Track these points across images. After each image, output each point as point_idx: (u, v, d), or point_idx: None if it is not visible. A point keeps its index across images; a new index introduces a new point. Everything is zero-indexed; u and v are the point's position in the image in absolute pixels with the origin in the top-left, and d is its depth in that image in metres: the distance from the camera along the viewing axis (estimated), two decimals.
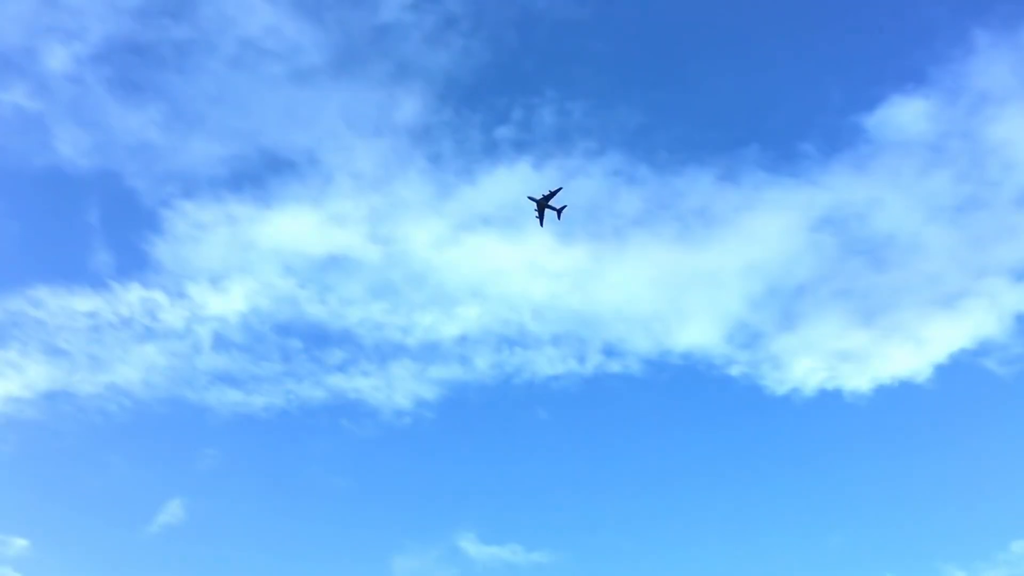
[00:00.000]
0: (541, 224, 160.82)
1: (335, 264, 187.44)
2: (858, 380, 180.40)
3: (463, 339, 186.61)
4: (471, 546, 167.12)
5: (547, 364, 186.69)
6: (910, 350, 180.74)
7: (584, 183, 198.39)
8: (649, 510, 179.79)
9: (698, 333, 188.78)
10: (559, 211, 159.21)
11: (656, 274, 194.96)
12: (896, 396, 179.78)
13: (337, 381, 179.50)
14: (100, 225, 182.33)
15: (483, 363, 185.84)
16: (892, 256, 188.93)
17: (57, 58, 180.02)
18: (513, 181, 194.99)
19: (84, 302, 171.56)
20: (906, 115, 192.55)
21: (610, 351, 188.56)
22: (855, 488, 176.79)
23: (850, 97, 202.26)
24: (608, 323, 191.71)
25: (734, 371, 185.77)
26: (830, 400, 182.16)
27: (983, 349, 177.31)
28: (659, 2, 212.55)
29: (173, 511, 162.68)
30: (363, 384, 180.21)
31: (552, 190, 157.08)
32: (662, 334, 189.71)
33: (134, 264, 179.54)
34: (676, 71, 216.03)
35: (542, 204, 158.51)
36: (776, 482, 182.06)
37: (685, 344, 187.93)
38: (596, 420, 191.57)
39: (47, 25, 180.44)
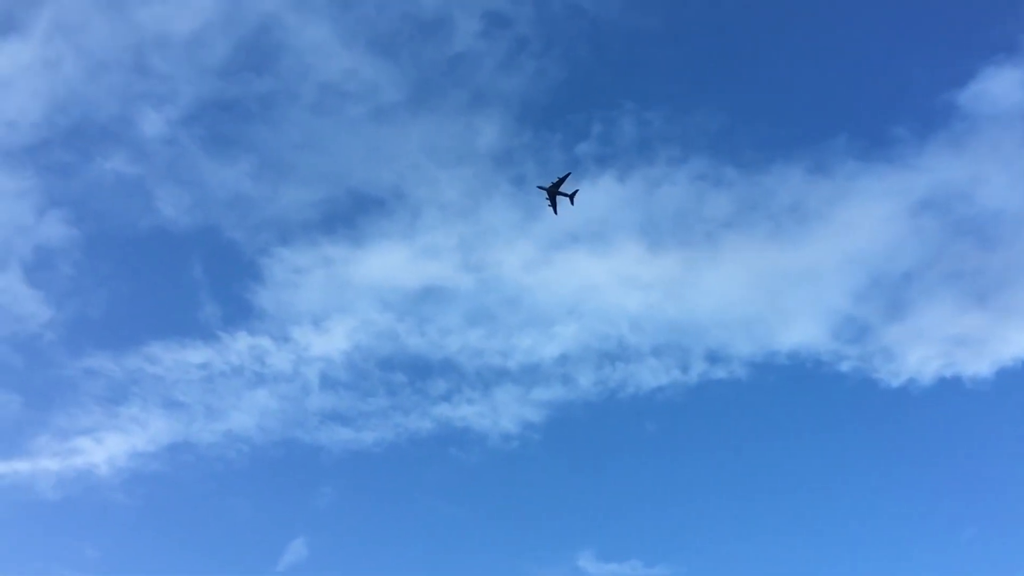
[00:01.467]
0: (555, 212, 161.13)
1: (430, 295, 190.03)
2: (978, 365, 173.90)
3: (563, 358, 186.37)
4: (590, 565, 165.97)
5: (650, 376, 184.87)
6: None
7: (670, 190, 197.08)
8: (768, 516, 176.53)
9: (803, 331, 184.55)
10: (571, 196, 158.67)
11: (753, 275, 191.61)
12: (1021, 378, 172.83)
13: (443, 411, 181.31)
14: (205, 278, 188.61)
15: (585, 380, 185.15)
16: (1000, 233, 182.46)
17: (151, 123, 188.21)
18: (598, 196, 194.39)
19: (196, 354, 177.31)
20: (1000, 87, 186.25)
21: (713, 357, 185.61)
22: (986, 478, 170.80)
23: (939, 74, 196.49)
24: (708, 329, 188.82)
25: (844, 367, 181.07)
26: (950, 388, 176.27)
27: None
28: (728, 1, 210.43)
29: (297, 550, 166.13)
30: (468, 412, 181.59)
31: (561, 176, 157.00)
32: (765, 336, 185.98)
33: (239, 313, 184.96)
34: (753, 68, 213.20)
35: (552, 192, 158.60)
36: (900, 479, 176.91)
37: (790, 344, 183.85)
38: (705, 429, 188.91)
39: (140, 92, 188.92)
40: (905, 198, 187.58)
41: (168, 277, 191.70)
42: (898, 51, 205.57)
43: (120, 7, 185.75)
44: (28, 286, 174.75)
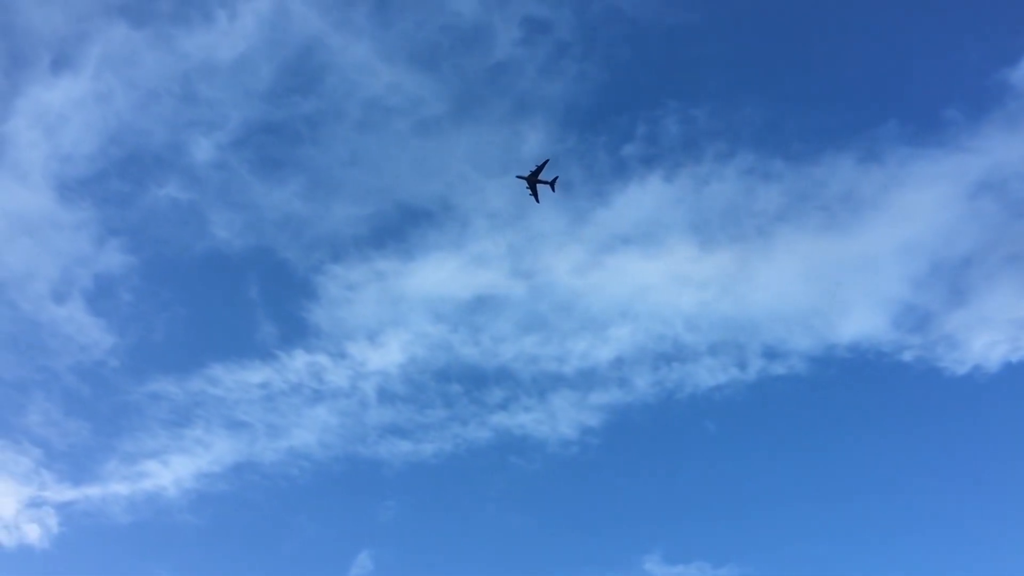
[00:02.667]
0: (537, 200, 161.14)
1: (482, 304, 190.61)
2: None
3: (619, 361, 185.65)
4: (657, 567, 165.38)
5: (707, 375, 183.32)
6: None
7: (718, 187, 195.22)
8: (835, 513, 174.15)
9: (862, 322, 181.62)
10: (552, 183, 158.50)
11: (807, 267, 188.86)
12: None
13: (500, 419, 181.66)
14: (261, 299, 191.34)
15: (642, 382, 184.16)
16: None
17: (202, 149, 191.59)
18: (646, 197, 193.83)
19: (256, 374, 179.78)
20: None
21: (771, 353, 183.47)
22: None
23: (989, 53, 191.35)
24: (764, 325, 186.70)
25: (907, 356, 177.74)
26: (1018, 373, 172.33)
27: None
28: None
29: (363, 564, 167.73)
30: (526, 419, 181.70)
31: (539, 164, 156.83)
32: (823, 328, 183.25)
33: (296, 331, 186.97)
34: (797, 59, 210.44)
35: (532, 180, 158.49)
36: (971, 469, 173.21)
37: (850, 335, 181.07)
38: (766, 425, 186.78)
39: (189, 120, 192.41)
40: (961, 181, 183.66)
41: (225, 299, 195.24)
42: (945, 31, 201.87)
43: (167, 39, 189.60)
44: (91, 315, 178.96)
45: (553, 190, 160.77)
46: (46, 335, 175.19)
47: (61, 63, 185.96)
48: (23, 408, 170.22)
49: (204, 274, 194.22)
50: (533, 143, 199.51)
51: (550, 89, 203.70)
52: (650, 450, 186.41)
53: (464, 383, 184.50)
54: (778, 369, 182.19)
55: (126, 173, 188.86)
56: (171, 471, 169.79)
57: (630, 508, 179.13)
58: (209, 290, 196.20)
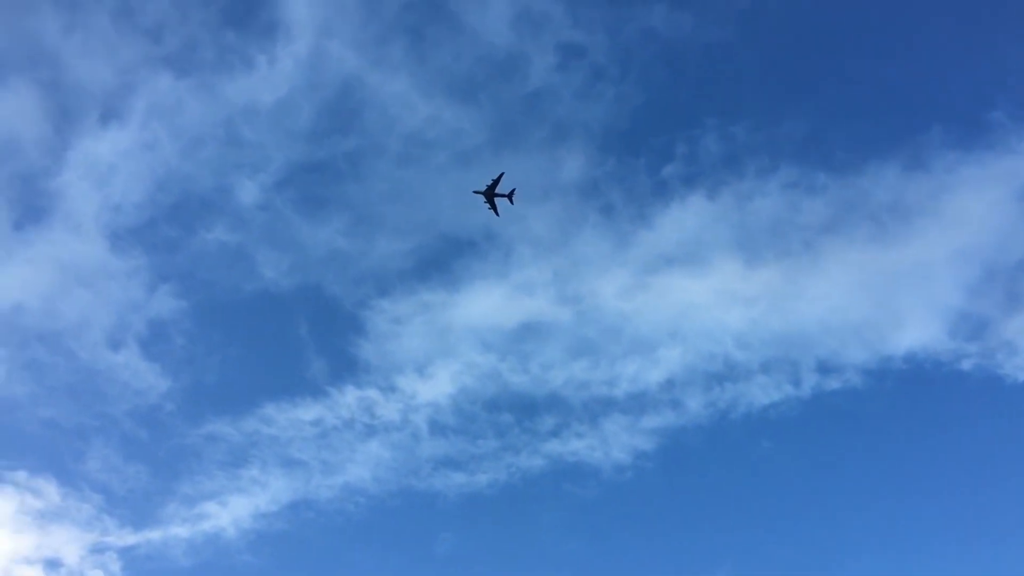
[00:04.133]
0: (497, 214, 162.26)
1: (529, 332, 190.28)
2: None
3: (670, 383, 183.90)
4: None
5: (761, 393, 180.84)
6: None
7: (762, 202, 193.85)
8: (898, 527, 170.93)
9: (917, 332, 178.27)
10: (509, 196, 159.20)
11: (858, 279, 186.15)
12: None
13: (553, 447, 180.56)
14: (310, 336, 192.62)
15: (695, 404, 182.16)
16: None
17: (247, 191, 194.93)
18: (688, 216, 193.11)
19: (308, 411, 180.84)
20: None
21: (825, 368, 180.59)
22: None
23: None
24: (817, 339, 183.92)
25: (966, 365, 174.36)
26: None
27: None
28: (802, 3, 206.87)
29: None
30: (579, 445, 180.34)
31: (494, 178, 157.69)
32: (877, 340, 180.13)
33: (345, 367, 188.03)
34: (835, 69, 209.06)
35: (489, 194, 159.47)
36: None
37: (905, 346, 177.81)
38: (824, 442, 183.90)
39: (234, 163, 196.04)
40: (1010, 184, 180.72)
41: (275, 338, 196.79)
42: (985, 32, 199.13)
43: (209, 86, 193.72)
44: (145, 360, 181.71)
45: (512, 203, 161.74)
46: (103, 382, 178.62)
47: (109, 115, 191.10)
48: (83, 455, 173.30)
49: (254, 314, 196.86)
50: (572, 168, 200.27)
51: (587, 113, 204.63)
52: (706, 472, 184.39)
53: (515, 412, 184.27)
54: (833, 384, 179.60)
55: (175, 219, 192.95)
56: (229, 512, 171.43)
57: (688, 532, 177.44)
58: (259, 330, 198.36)
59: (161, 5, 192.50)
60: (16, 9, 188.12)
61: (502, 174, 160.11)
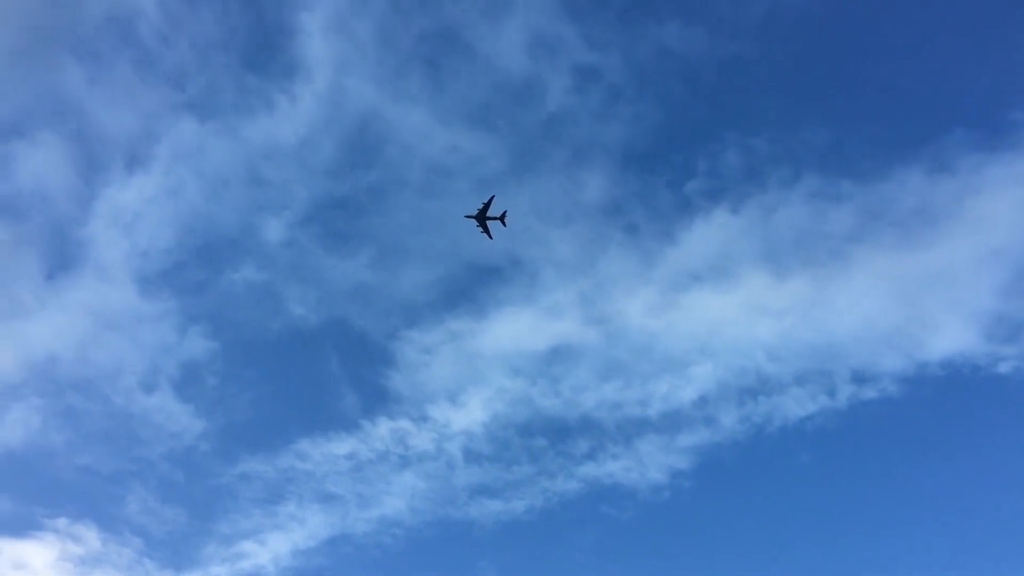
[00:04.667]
0: (490, 237, 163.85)
1: (559, 355, 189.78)
2: None
3: (703, 400, 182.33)
4: None
5: (796, 406, 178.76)
6: None
7: (786, 213, 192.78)
8: (943, 536, 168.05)
9: (952, 337, 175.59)
10: (501, 218, 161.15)
11: (888, 286, 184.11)
12: None
13: (588, 470, 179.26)
14: (340, 370, 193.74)
15: (729, 420, 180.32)
16: None
17: (272, 229, 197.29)
18: (713, 231, 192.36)
19: (342, 445, 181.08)
20: None
21: (860, 378, 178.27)
22: None
23: None
24: (850, 348, 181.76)
25: (1003, 368, 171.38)
26: None
27: None
28: (815, 12, 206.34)
29: None
30: (614, 467, 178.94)
31: (484, 202, 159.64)
32: (912, 347, 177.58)
33: (377, 399, 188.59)
34: (852, 75, 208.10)
35: (481, 218, 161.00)
36: None
37: (941, 352, 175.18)
38: (864, 452, 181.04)
39: (259, 203, 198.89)
40: None
41: (306, 374, 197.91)
42: (1004, 31, 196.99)
43: (231, 128, 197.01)
44: (179, 402, 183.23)
45: (504, 224, 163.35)
46: (138, 426, 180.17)
47: (134, 162, 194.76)
48: (122, 499, 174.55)
49: (284, 351, 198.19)
50: (594, 189, 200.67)
51: (606, 134, 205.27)
52: (744, 488, 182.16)
53: (548, 436, 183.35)
54: (869, 393, 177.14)
55: (202, 261, 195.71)
56: (268, 550, 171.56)
57: (729, 549, 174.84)
58: (290, 366, 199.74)
59: (182, 52, 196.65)
60: (42, 64, 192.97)
61: (492, 197, 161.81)
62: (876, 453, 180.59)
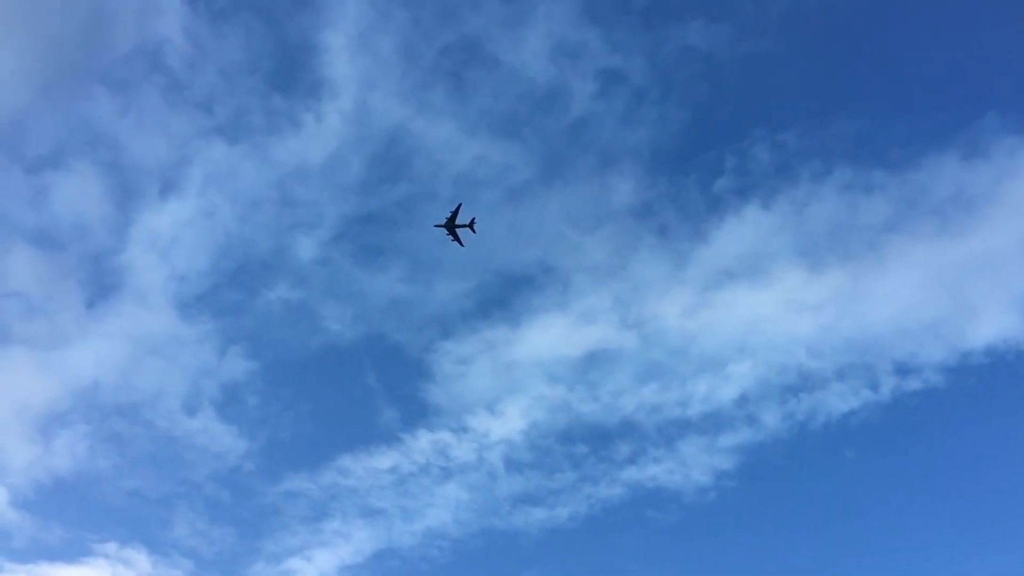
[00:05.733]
0: (461, 244, 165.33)
1: (595, 360, 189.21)
2: None
3: (743, 399, 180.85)
4: None
5: (839, 401, 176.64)
6: None
7: (819, 207, 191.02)
8: (1000, 527, 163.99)
9: (995, 324, 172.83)
10: (470, 225, 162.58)
11: (926, 275, 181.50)
12: None
13: (631, 474, 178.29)
14: (379, 385, 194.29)
15: (771, 418, 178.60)
16: None
17: (305, 248, 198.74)
18: (745, 228, 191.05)
19: (383, 459, 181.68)
20: None
21: (903, 370, 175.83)
22: None
23: None
24: (891, 340, 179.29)
25: None
26: None
27: None
28: (838, 2, 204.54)
29: None
30: (657, 470, 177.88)
31: (452, 211, 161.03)
32: (955, 337, 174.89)
33: (416, 412, 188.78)
34: (880, 65, 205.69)
35: (450, 226, 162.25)
36: None
37: (984, 340, 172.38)
38: (909, 446, 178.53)
39: (291, 223, 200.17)
40: None
41: (345, 390, 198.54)
42: None
43: (261, 149, 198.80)
44: (222, 423, 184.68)
45: (474, 231, 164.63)
46: (182, 448, 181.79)
47: (167, 188, 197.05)
48: (170, 522, 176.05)
49: (322, 368, 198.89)
50: (623, 192, 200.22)
51: (633, 137, 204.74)
52: (790, 486, 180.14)
53: (589, 442, 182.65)
54: (913, 384, 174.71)
55: (238, 282, 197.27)
56: (315, 566, 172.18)
57: (777, 548, 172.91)
58: (329, 383, 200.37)
59: (209, 78, 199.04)
60: (73, 95, 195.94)
61: (460, 205, 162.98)
62: (922, 445, 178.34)
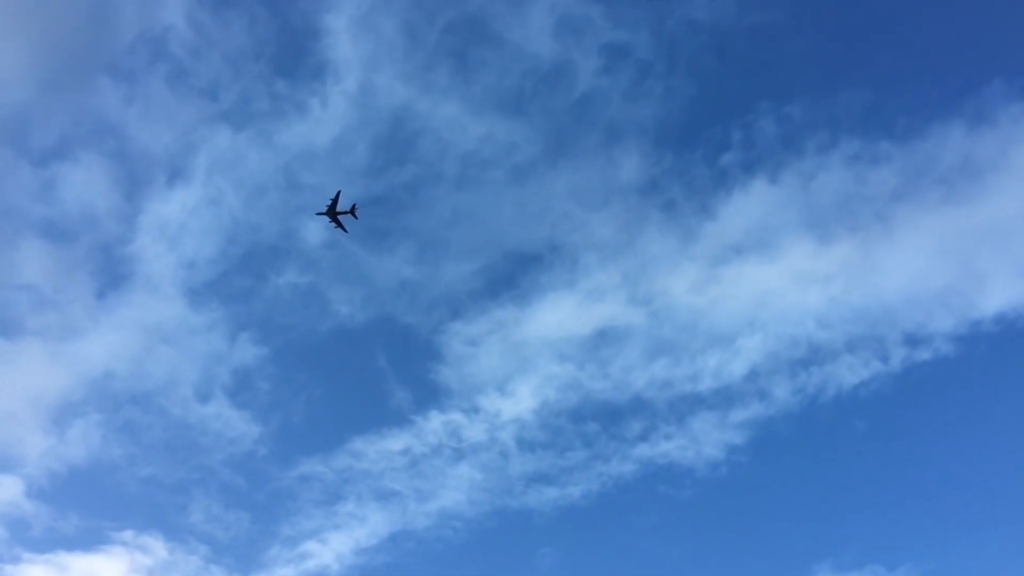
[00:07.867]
0: (345, 231, 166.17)
1: (604, 337, 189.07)
2: None
3: (753, 373, 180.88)
4: None
5: (849, 373, 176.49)
6: None
7: (826, 179, 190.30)
8: (1009, 498, 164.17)
9: (1005, 291, 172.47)
10: (352, 211, 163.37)
11: (935, 245, 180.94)
12: None
13: (643, 451, 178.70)
14: (389, 367, 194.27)
15: (782, 392, 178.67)
16: None
17: (312, 232, 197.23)
18: (752, 203, 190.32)
19: (396, 442, 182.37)
20: None
21: (912, 340, 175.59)
22: None
23: None
24: (900, 311, 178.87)
25: None
26: None
27: None
28: None
29: None
30: (669, 447, 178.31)
31: (332, 198, 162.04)
32: (964, 305, 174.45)
33: (427, 394, 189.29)
34: (884, 35, 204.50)
35: (332, 213, 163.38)
36: None
37: (995, 308, 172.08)
38: (921, 416, 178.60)
39: (297, 207, 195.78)
40: None
41: (356, 373, 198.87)
42: None
43: (266, 135, 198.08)
44: (234, 409, 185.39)
45: (356, 217, 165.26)
46: (196, 435, 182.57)
47: (174, 176, 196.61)
48: (186, 508, 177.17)
49: (332, 351, 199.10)
50: (629, 168, 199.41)
51: (638, 112, 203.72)
52: (802, 459, 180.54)
53: (600, 419, 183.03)
54: (923, 355, 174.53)
55: (246, 268, 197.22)
56: (331, 549, 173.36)
57: (791, 521, 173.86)
58: (339, 366, 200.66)
59: (213, 64, 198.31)
60: (78, 88, 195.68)
61: (339, 192, 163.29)
62: (935, 415, 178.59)
